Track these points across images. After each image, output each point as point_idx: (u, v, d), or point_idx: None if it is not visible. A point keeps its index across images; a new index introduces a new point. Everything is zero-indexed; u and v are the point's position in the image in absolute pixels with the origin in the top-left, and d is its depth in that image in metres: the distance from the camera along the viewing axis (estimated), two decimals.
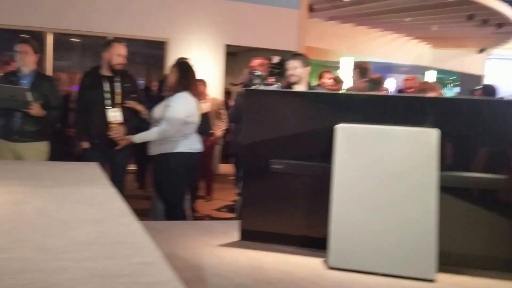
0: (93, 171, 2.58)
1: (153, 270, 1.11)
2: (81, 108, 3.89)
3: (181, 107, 3.48)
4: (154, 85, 6.88)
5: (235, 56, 9.70)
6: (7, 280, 1.01)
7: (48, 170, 2.63)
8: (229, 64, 8.57)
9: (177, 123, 3.45)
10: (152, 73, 10.36)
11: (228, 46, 8.36)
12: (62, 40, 8.88)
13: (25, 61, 3.84)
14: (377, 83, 4.75)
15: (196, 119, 3.64)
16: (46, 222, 1.52)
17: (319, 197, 1.99)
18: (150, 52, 10.61)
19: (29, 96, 3.68)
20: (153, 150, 3.59)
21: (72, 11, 7.57)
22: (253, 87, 3.87)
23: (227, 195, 6.14)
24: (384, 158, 1.79)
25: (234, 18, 8.26)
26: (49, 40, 7.85)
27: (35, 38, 7.87)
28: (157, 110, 3.56)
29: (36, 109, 3.72)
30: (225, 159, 8.43)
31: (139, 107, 3.81)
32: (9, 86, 3.80)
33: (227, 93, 8.91)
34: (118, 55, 3.83)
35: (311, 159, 2.03)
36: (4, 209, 1.69)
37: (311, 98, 2.20)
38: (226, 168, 8.03)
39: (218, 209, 5.71)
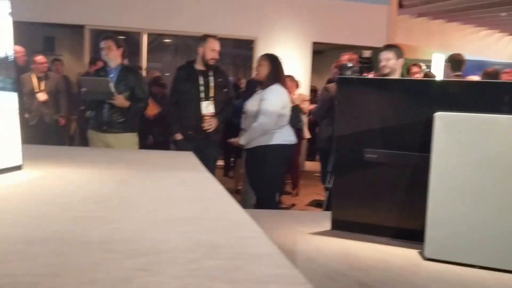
0: (189, 158, 2.70)
1: (256, 243, 1.14)
2: (175, 100, 4.05)
3: (277, 99, 3.53)
4: (242, 83, 7.03)
5: (321, 54, 9.65)
6: (121, 246, 1.08)
7: (146, 157, 2.78)
8: (315, 62, 8.54)
9: (274, 115, 3.51)
10: (239, 72, 10.56)
11: (314, 44, 8.34)
12: (155, 40, 9.33)
13: (109, 56, 4.02)
14: (493, 76, 4.44)
15: (288, 111, 3.68)
16: (150, 199, 1.62)
17: (414, 187, 1.94)
18: (237, 52, 10.83)
19: (112, 87, 3.87)
20: (249, 143, 3.65)
21: (165, 12, 7.92)
22: None
23: (313, 191, 6.13)
24: (486, 147, 1.70)
25: (322, 15, 8.22)
26: (144, 40, 8.28)
27: (131, 39, 8.38)
28: (252, 104, 3.63)
29: (119, 100, 3.88)
30: (309, 157, 8.40)
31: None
32: (93, 78, 4.04)
33: (313, 91, 8.88)
34: (212, 50, 3.95)
35: (406, 148, 1.98)
36: (111, 188, 1.82)
37: (407, 86, 2.15)
38: (310, 165, 8.01)
39: (305, 205, 5.71)
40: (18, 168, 2.08)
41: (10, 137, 2.06)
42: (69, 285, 0.84)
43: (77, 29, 8.37)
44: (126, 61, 5.79)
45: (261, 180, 3.64)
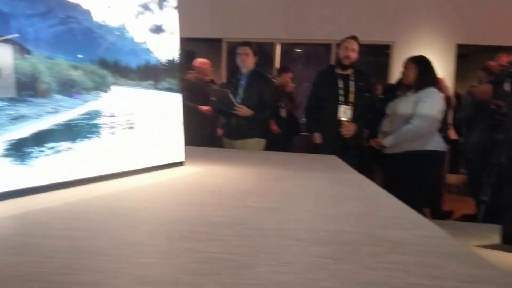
0: (335, 161, 2.66)
1: (444, 243, 1.06)
2: (313, 104, 4.03)
3: (435, 103, 3.36)
4: (378, 89, 6.84)
5: (464, 58, 9.01)
6: (300, 234, 1.08)
7: (292, 159, 2.81)
8: (458, 67, 7.97)
9: (430, 119, 3.34)
10: (372, 79, 10.30)
11: (459, 46, 7.76)
12: (288, 50, 9.50)
13: (245, 62, 4.05)
14: None
15: (441, 116, 3.49)
16: (312, 195, 1.61)
17: None
18: (370, 59, 10.59)
19: (232, 97, 3.87)
20: (398, 148, 3.50)
21: (298, 21, 8.03)
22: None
23: (459, 206, 5.70)
24: None
25: (468, 15, 7.59)
26: (277, 50, 8.48)
27: (265, 49, 8.62)
28: (403, 106, 3.48)
29: (242, 110, 3.88)
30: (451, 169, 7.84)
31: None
32: (217, 89, 4.11)
33: (457, 97, 8.31)
34: (345, 48, 3.88)
35: None
36: (269, 183, 1.85)
37: None
38: (452, 178, 7.46)
39: (455, 219, 5.31)
40: (180, 164, 2.22)
41: (175, 135, 2.21)
42: (265, 265, 0.85)
43: (215, 43, 8.84)
44: (290, 81, 5.88)
45: (410, 188, 3.42)
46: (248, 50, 4.08)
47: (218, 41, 8.62)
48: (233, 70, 6.54)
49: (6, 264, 0.80)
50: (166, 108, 2.16)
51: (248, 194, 1.59)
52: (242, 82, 4.09)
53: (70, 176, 1.47)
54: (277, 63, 8.48)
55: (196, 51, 10.52)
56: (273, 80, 5.18)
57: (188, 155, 2.32)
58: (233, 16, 8.25)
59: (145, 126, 1.92)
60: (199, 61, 5.33)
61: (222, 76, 8.33)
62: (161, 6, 2.11)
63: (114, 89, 1.69)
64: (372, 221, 1.24)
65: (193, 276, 0.78)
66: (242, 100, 3.98)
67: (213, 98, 4.20)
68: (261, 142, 4.10)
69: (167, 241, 0.98)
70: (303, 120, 5.28)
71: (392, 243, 1.03)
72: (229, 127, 4.11)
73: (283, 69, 6.27)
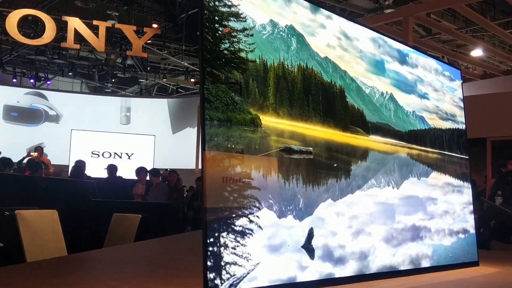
0: None
1: None
2: None
3: None
4: None
5: None
6: None
7: None
8: None
9: None
10: None
11: None
12: None
13: None
14: None
15: None
16: None
17: None
18: None
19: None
20: None
21: None
22: None
23: None
24: None
25: None
26: None
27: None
28: None
29: None
30: None
31: None
32: (494, 205, 3.98)
33: None
34: None
35: None
36: None
37: None
38: None
39: None
40: (476, 263, 2.61)
41: (469, 233, 2.60)
42: None
43: (479, 142, 8.91)
44: None
45: None
46: None
47: (482, 140, 8.68)
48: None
49: None
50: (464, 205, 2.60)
51: None
52: None
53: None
54: None
55: None
56: None
57: None
58: (497, 116, 8.38)
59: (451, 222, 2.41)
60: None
61: (488, 174, 8.28)
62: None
63: None
64: None
65: None
66: None
67: (485, 205, 4.17)
68: None
69: None
70: None
71: None
72: (503, 229, 4.07)
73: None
